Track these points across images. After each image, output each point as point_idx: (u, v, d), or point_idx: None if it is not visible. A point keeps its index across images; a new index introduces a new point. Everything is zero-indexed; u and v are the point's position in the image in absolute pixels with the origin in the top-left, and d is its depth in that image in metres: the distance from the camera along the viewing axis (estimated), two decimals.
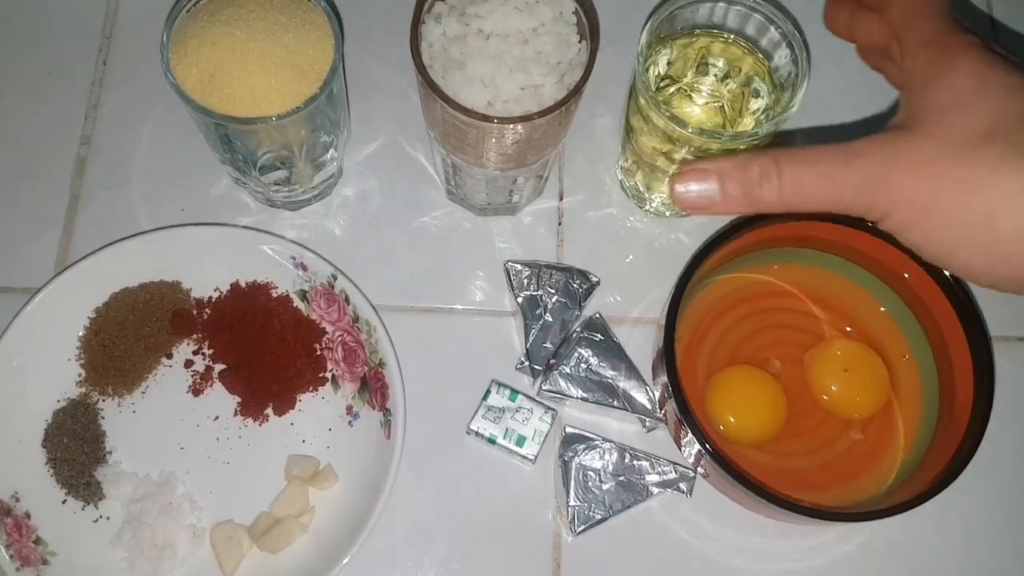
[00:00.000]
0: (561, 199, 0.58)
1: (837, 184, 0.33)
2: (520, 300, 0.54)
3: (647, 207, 0.57)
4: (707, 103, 0.51)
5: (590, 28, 0.46)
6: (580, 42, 0.46)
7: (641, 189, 0.56)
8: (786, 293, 0.53)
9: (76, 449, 0.50)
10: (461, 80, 0.44)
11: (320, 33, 0.46)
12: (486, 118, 0.43)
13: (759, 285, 0.53)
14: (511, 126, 0.43)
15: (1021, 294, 0.33)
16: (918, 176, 0.31)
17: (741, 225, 0.47)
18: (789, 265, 0.53)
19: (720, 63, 0.51)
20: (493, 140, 0.45)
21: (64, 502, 0.50)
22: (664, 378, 0.47)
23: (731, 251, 0.49)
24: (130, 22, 0.61)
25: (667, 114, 0.46)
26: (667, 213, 0.57)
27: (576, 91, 0.44)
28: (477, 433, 0.52)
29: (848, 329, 0.53)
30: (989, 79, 0.32)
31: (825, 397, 0.51)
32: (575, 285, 0.54)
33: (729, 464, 0.45)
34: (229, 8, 0.45)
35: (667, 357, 0.47)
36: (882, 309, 0.52)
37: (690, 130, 0.45)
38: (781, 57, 0.49)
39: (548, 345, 0.53)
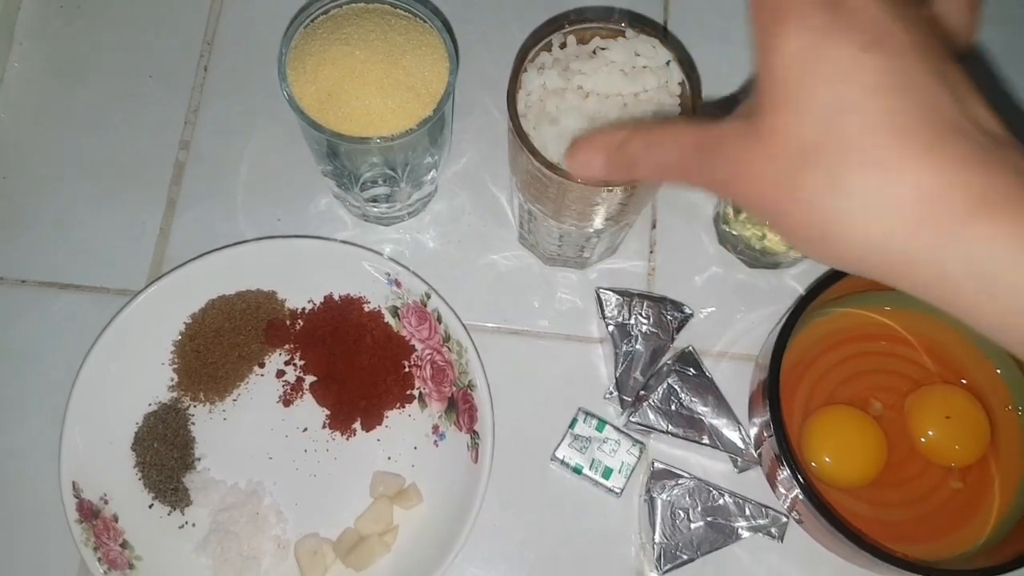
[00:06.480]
0: (654, 227, 0.58)
1: (697, 173, 0.32)
2: (610, 328, 0.53)
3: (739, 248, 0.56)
4: None
5: (693, 102, 0.44)
6: (680, 115, 0.44)
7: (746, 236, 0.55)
8: (892, 336, 0.52)
9: (165, 454, 0.50)
10: (552, 134, 0.43)
11: (436, 56, 0.45)
12: (570, 176, 0.41)
13: (864, 326, 0.52)
14: (593, 188, 0.42)
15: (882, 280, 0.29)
16: (759, 192, 0.29)
17: None
18: (899, 308, 0.52)
19: None
20: (573, 198, 0.44)
21: (151, 507, 0.50)
22: (765, 417, 0.46)
23: (842, 290, 0.48)
24: (232, 28, 0.62)
25: None
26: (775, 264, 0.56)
27: None
28: (562, 462, 0.51)
29: (951, 376, 0.51)
30: (814, 62, 0.26)
31: (923, 440, 0.50)
32: (668, 316, 0.53)
33: (829, 510, 0.44)
34: (349, 27, 0.45)
35: (771, 396, 0.46)
36: (987, 358, 0.51)
37: None
38: None
39: (638, 376, 0.52)
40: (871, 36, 0.26)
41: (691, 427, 0.51)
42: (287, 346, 0.53)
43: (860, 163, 0.26)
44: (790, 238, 0.30)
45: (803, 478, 0.44)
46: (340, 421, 0.52)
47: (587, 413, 0.52)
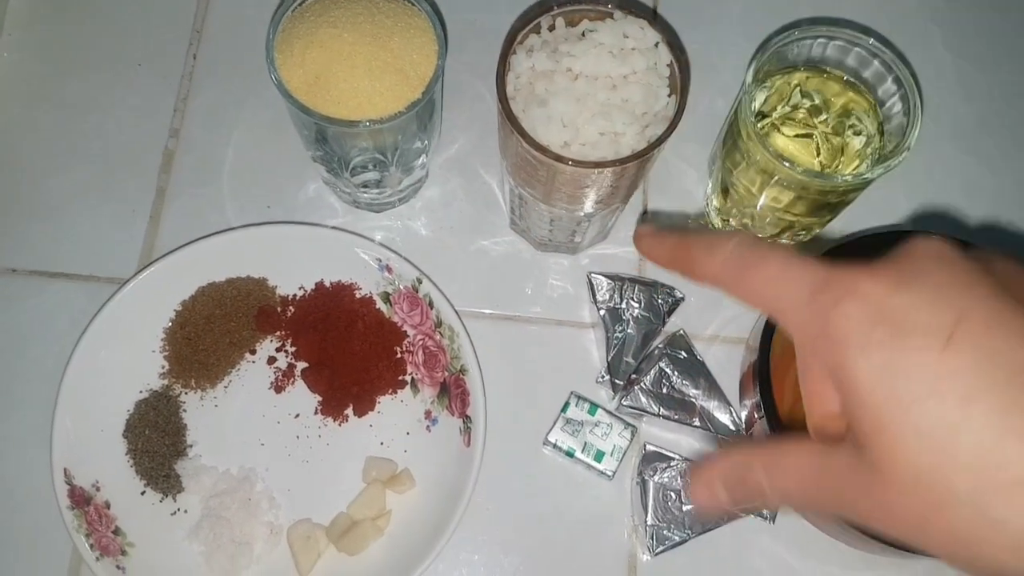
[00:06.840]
0: (645, 212, 0.58)
1: (829, 503, 0.28)
2: (602, 312, 0.53)
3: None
4: (797, 135, 0.50)
5: (682, 84, 0.44)
6: (669, 96, 0.44)
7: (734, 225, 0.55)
8: None
9: (157, 441, 0.50)
10: (541, 116, 0.43)
11: (424, 38, 0.45)
12: (559, 158, 0.41)
13: None
14: (583, 170, 0.42)
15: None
16: (903, 528, 0.26)
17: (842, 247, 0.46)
18: None
19: (815, 96, 0.50)
20: (563, 181, 0.44)
21: (143, 493, 0.50)
22: (756, 399, 0.47)
23: None
24: (221, 16, 0.62)
25: (772, 152, 0.44)
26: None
27: (656, 145, 0.42)
28: (555, 445, 0.51)
29: None
30: (896, 384, 0.24)
31: None
32: (659, 300, 0.53)
33: None
34: (336, 10, 0.45)
35: (762, 378, 0.46)
36: None
37: (799, 171, 0.44)
38: (887, 94, 0.47)
39: (629, 360, 0.52)
40: (938, 337, 0.24)
41: (682, 410, 0.51)
42: (278, 333, 0.53)
43: (996, 487, 0.23)
44: (941, 557, 0.27)
45: None
46: (332, 407, 0.52)
47: (579, 397, 0.52)
